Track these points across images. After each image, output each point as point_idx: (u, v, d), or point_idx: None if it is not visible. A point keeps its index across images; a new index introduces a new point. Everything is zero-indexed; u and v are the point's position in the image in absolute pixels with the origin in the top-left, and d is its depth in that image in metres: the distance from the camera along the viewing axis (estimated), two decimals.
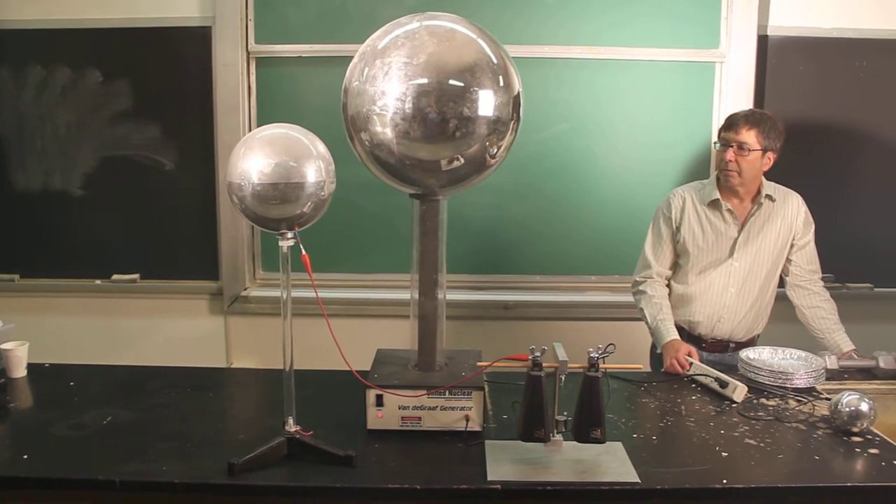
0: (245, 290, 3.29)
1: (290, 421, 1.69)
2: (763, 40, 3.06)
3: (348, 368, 1.79)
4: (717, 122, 2.98)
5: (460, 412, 1.80)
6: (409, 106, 1.66)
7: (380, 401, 1.79)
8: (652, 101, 3.15)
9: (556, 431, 1.67)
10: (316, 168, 1.59)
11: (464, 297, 3.23)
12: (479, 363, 1.79)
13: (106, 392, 2.09)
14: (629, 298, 2.64)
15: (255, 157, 1.56)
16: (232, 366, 3.32)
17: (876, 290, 3.23)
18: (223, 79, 3.13)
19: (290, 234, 1.63)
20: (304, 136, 1.63)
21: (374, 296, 3.24)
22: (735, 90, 3.07)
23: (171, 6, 3.12)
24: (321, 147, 1.64)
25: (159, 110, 3.19)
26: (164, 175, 3.22)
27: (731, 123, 2.39)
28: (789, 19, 3.05)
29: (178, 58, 3.16)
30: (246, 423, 1.98)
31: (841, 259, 2.84)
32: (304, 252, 1.62)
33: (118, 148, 3.21)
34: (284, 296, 1.67)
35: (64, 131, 3.19)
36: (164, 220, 3.29)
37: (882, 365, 2.27)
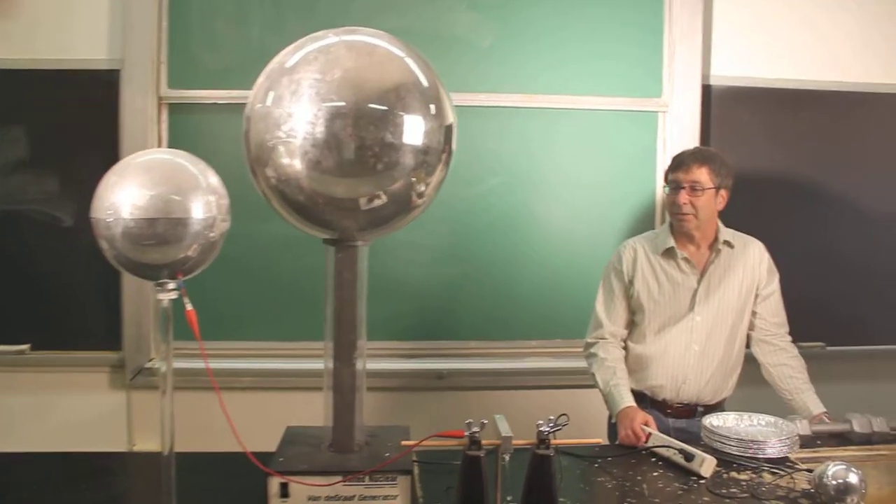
0: (150, 360, 2.93)
1: None
2: (707, 89, 2.99)
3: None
4: (662, 173, 2.86)
5: (384, 502, 1.50)
6: (320, 130, 1.41)
7: (285, 490, 1.48)
8: (593, 152, 3.01)
9: None
10: (205, 202, 1.33)
11: (391, 366, 2.96)
12: (405, 442, 1.50)
13: None
14: (575, 364, 2.44)
15: (128, 187, 1.31)
16: (134, 448, 2.96)
17: (828, 348, 3.11)
18: (131, 126, 2.85)
19: (171, 285, 1.34)
20: (193, 165, 1.37)
21: (287, 366, 2.91)
22: (679, 140, 2.94)
23: (74, 48, 2.85)
24: (213, 178, 1.39)
25: (59, 161, 2.88)
26: (61, 233, 2.88)
27: (680, 163, 2.27)
28: (732, 68, 3.00)
29: (82, 103, 2.87)
30: None
31: (792, 316, 2.72)
32: (188, 306, 1.33)
33: (11, 202, 2.88)
34: (164, 368, 1.37)
35: None
36: (60, 284, 2.92)
37: (857, 429, 2.08)
